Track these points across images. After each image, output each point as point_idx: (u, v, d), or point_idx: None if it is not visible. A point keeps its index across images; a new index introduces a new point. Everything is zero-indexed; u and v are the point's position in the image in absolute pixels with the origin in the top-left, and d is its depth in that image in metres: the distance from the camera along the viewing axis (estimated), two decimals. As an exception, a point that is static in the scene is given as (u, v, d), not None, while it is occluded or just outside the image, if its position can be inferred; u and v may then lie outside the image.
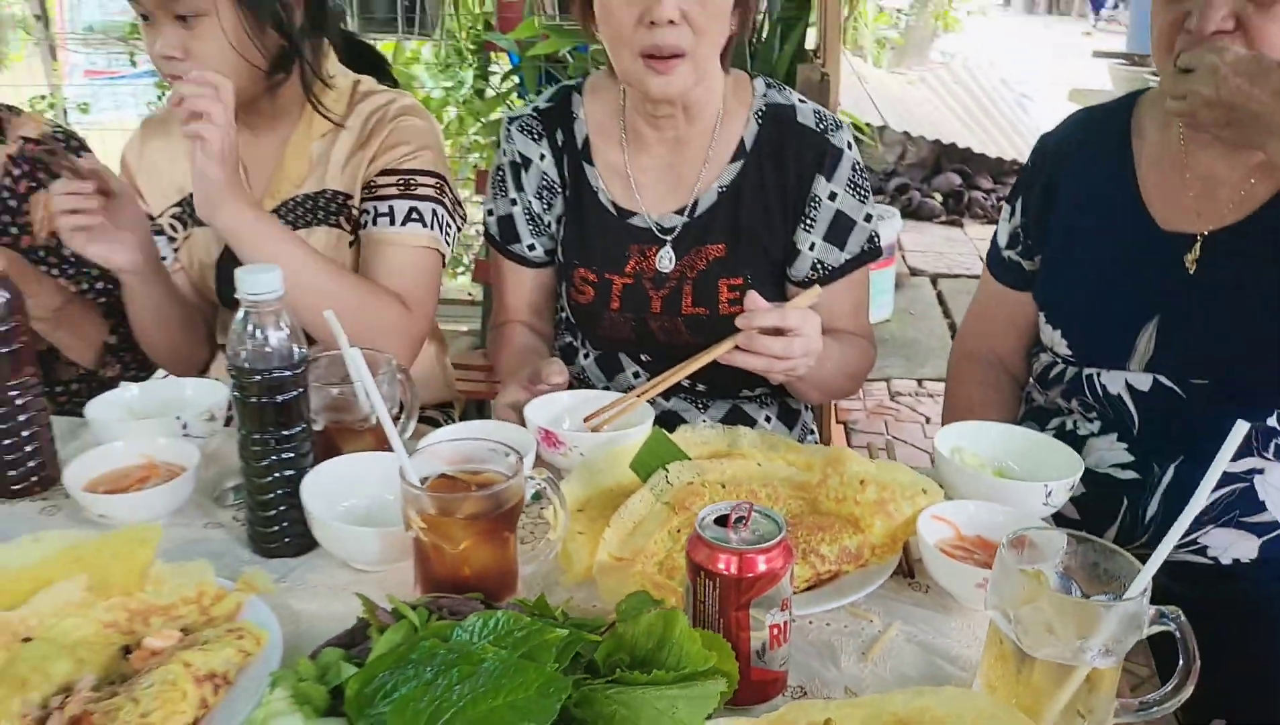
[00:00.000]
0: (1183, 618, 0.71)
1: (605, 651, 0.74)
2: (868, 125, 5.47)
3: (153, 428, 1.12)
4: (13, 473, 1.11)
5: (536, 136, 1.43)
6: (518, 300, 1.51)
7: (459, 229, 1.48)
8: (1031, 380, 1.40)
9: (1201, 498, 0.72)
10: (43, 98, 3.53)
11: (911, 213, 5.53)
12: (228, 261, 1.46)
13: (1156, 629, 0.71)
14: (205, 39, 1.28)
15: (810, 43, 2.48)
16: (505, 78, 4.21)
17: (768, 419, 1.47)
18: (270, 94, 1.39)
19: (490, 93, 4.16)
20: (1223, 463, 0.71)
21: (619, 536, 0.93)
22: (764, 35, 2.41)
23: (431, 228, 1.41)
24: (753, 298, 1.14)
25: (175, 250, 1.51)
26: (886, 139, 5.89)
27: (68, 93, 4.18)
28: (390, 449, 0.93)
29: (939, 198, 5.69)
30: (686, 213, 1.37)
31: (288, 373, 0.95)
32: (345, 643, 0.78)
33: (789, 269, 1.39)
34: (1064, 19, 17.45)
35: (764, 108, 1.37)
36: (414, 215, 1.40)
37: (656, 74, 1.22)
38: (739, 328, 1.13)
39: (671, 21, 1.18)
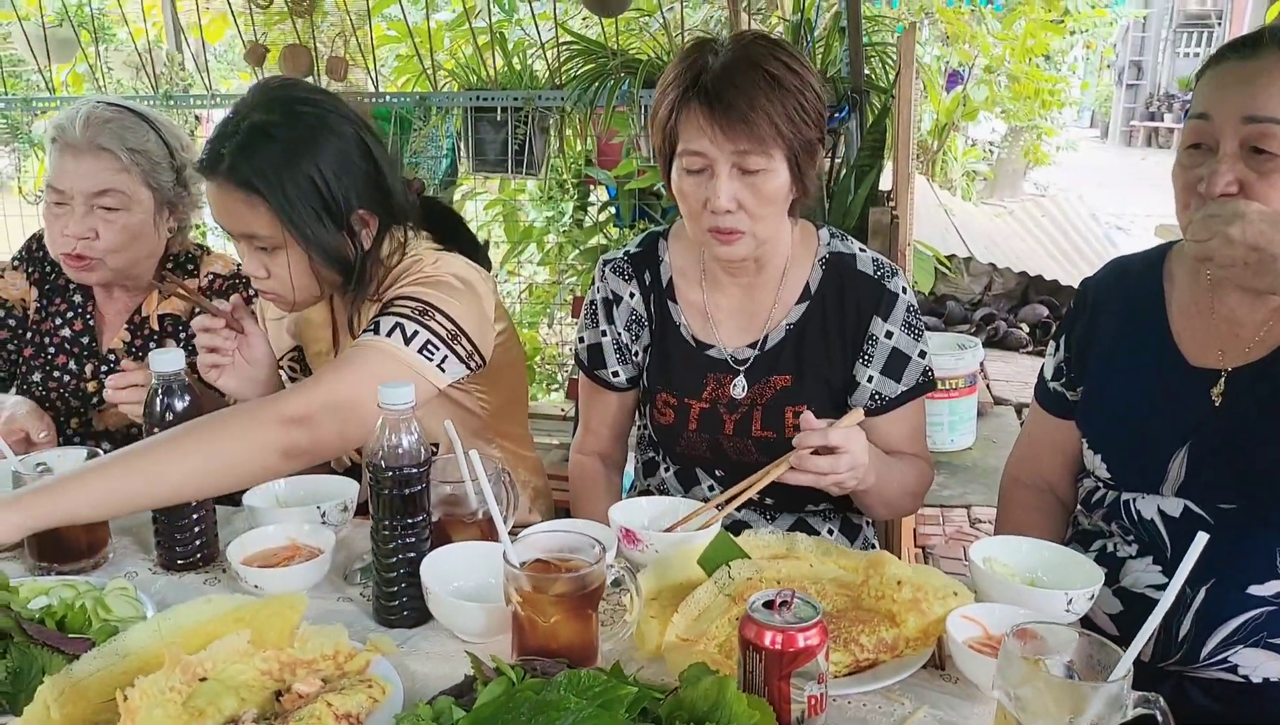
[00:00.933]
0: (1163, 702, 0.83)
1: (668, 709, 0.89)
2: (952, 257, 5.63)
3: (297, 515, 1.33)
4: (180, 550, 1.32)
5: (627, 277, 1.63)
6: (600, 421, 1.70)
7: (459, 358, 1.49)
8: (1078, 504, 1.51)
9: (1166, 602, 0.84)
10: (211, 229, 3.94)
11: (997, 342, 5.61)
12: None
13: (1140, 711, 0.83)
14: (280, 265, 1.46)
15: (886, 184, 2.68)
16: (603, 208, 4.53)
17: (830, 532, 1.61)
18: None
19: (588, 222, 4.47)
20: (1186, 569, 0.84)
21: (686, 621, 1.08)
22: (839, 180, 2.62)
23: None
24: (807, 418, 1.30)
25: None
26: (973, 270, 6.03)
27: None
28: (493, 540, 1.11)
29: (1025, 328, 5.76)
30: (758, 347, 1.55)
31: (414, 470, 1.14)
32: (456, 693, 0.94)
33: (849, 398, 1.54)
34: (1162, 151, 17.49)
35: (827, 256, 1.56)
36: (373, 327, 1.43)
37: (721, 244, 1.43)
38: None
39: (729, 210, 1.38)
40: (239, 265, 1.85)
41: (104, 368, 1.84)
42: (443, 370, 1.43)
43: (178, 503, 1.29)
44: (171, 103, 3.80)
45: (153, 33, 4.81)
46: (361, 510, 1.45)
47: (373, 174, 1.47)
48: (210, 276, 1.86)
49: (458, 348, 1.45)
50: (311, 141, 1.41)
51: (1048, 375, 1.54)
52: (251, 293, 1.80)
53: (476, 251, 1.64)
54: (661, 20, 3.18)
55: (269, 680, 1.01)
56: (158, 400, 1.29)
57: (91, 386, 1.84)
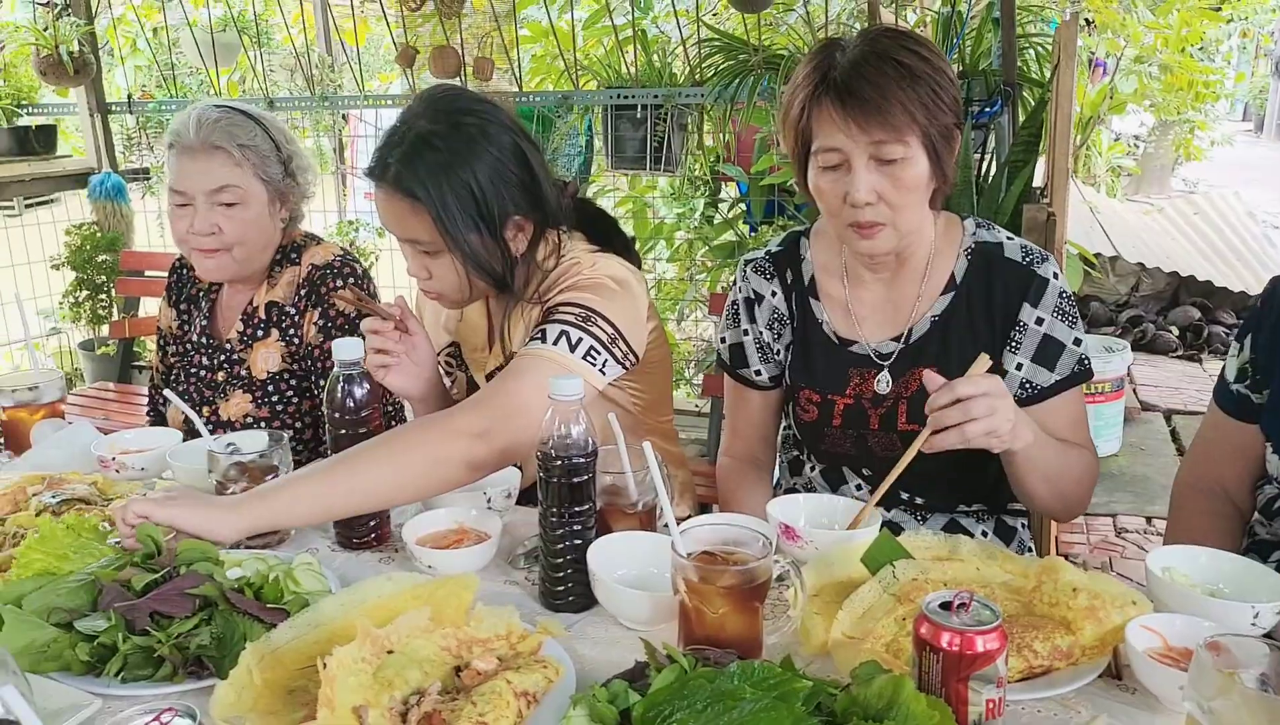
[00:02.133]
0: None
1: (843, 705, 0.89)
2: (1097, 256, 5.40)
3: (464, 500, 1.38)
4: (357, 530, 1.39)
5: (769, 276, 1.63)
6: (745, 422, 1.71)
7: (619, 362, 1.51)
8: (1256, 513, 1.44)
9: None
10: (350, 222, 4.12)
11: (1145, 346, 5.36)
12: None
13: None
14: (442, 267, 1.51)
15: (1039, 180, 2.60)
16: (733, 205, 4.53)
17: (984, 534, 1.58)
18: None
19: (718, 219, 4.47)
20: None
21: (851, 618, 1.08)
22: (990, 176, 2.55)
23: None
24: (929, 377, 1.28)
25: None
26: (1119, 270, 5.78)
27: (352, 215, 4.85)
28: (652, 531, 1.13)
29: (1175, 331, 5.49)
30: (902, 340, 1.54)
31: (582, 459, 1.18)
32: (629, 677, 0.97)
33: None
34: (1324, 145, 16.37)
35: (973, 245, 1.53)
36: (539, 335, 1.46)
37: (862, 238, 1.42)
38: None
39: (869, 203, 1.37)
40: (337, 256, 1.92)
41: (222, 357, 1.94)
42: (603, 373, 1.47)
43: (373, 511, 1.37)
44: (326, 103, 3.98)
45: (305, 38, 5.03)
46: (522, 498, 1.50)
47: (528, 181, 1.51)
48: (310, 267, 1.91)
49: (615, 350, 1.48)
50: (471, 152, 1.46)
51: (1230, 376, 1.48)
52: (349, 281, 1.88)
53: (629, 251, 1.67)
54: (805, 13, 3.15)
55: (448, 656, 1.06)
56: (339, 387, 1.36)
57: (219, 376, 1.94)
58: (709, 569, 1.04)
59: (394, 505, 1.39)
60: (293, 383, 1.90)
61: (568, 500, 1.18)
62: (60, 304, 4.04)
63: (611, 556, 1.20)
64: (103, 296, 4.10)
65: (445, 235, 1.46)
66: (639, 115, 3.16)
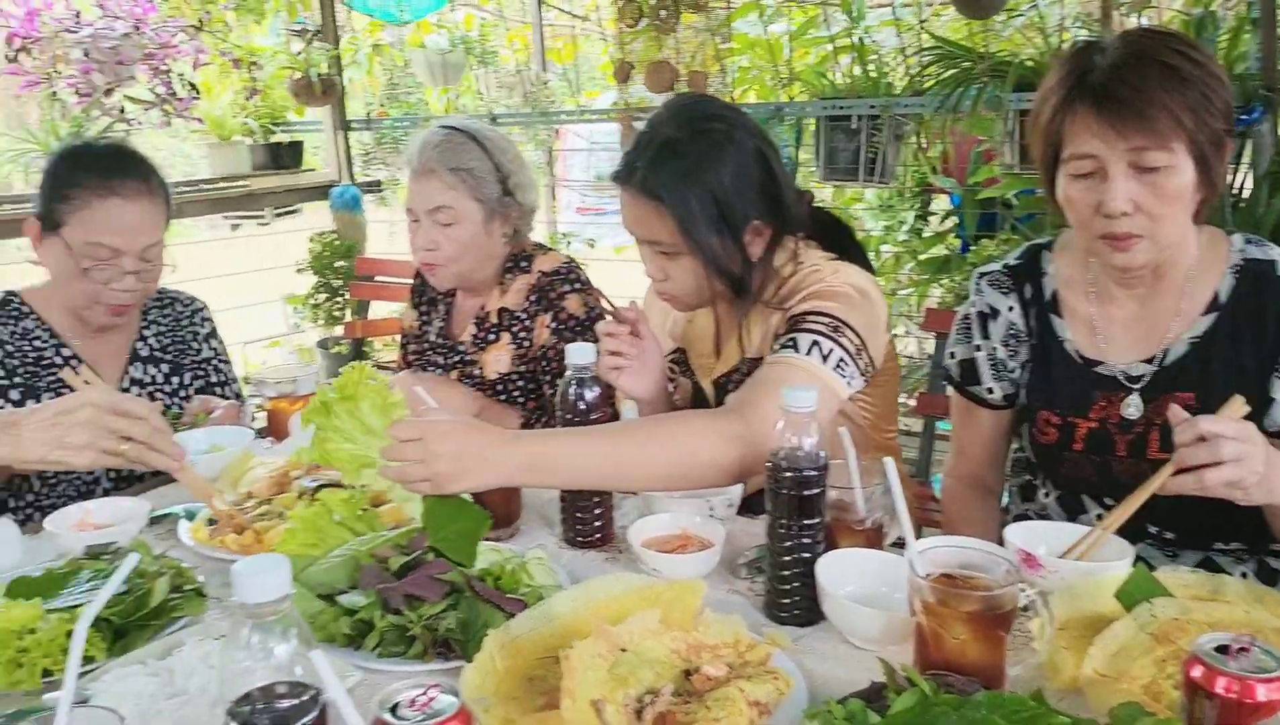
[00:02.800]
0: None
1: (1101, 746, 0.84)
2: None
3: (689, 507, 1.40)
4: (582, 528, 1.43)
5: (1005, 290, 1.57)
6: (973, 442, 1.64)
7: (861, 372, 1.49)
8: None
9: None
10: (564, 235, 4.27)
11: None
12: (701, 403, 1.75)
13: None
14: (680, 269, 1.53)
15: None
16: (945, 217, 4.37)
17: (1244, 575, 1.45)
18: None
19: (928, 232, 4.34)
20: None
21: (1104, 656, 1.02)
22: (1249, 190, 2.36)
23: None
24: (1174, 411, 1.18)
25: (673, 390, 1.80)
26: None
27: (562, 227, 5.02)
28: (877, 548, 1.11)
29: None
30: (1155, 362, 1.43)
31: (814, 472, 1.17)
32: (865, 697, 0.95)
33: (1264, 418, 1.38)
34: None
35: (1242, 262, 1.41)
36: (790, 342, 1.45)
37: (1115, 250, 1.33)
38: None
39: (1125, 213, 1.28)
40: (563, 263, 2.02)
41: (456, 358, 2.07)
42: (849, 385, 1.45)
43: (632, 490, 1.40)
44: (544, 118, 4.14)
45: (517, 58, 5.25)
46: (742, 508, 1.50)
47: (769, 186, 1.52)
48: (539, 274, 2.02)
49: (860, 361, 1.46)
50: (715, 157, 1.48)
51: None
52: (575, 286, 1.97)
53: (865, 260, 1.65)
54: (1038, 14, 3.01)
55: (678, 659, 1.07)
56: (571, 389, 1.41)
57: (454, 375, 2.07)
58: (952, 592, 1.01)
59: (637, 487, 1.40)
60: (520, 384, 1.99)
61: (797, 513, 1.17)
62: (303, 304, 4.39)
63: (839, 572, 1.19)
64: (338, 299, 4.42)
65: (686, 237, 1.48)
66: (853, 126, 3.11)
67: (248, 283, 4.43)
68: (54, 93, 3.76)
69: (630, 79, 3.68)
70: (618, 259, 4.77)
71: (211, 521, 1.47)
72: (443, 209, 1.95)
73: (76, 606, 1.12)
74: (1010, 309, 1.56)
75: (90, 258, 1.74)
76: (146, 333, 1.96)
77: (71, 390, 1.53)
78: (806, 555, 1.18)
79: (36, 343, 1.83)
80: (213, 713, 0.98)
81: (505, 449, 1.24)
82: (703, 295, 1.56)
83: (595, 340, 1.95)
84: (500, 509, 1.46)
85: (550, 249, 2.09)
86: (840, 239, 1.67)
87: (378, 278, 4.28)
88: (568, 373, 1.42)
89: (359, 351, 4.25)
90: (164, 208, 1.84)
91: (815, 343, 1.43)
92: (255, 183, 4.35)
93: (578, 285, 1.99)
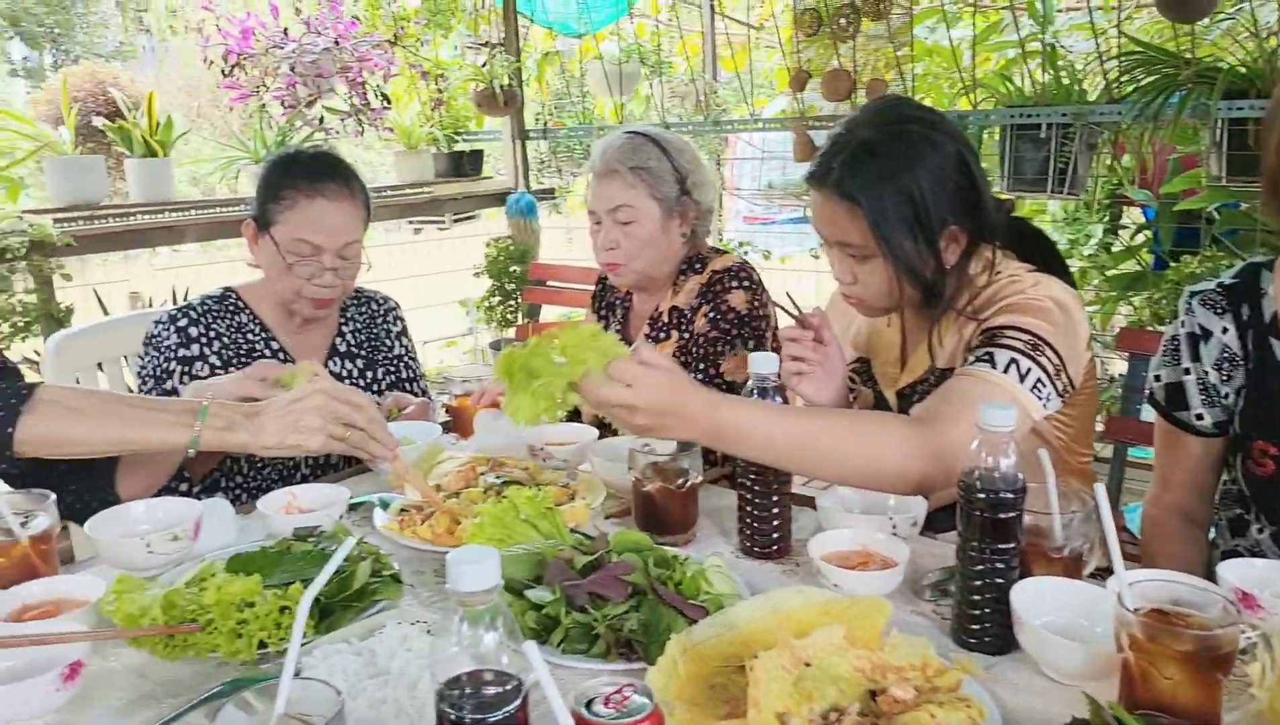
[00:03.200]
0: None
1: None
2: None
3: (871, 523, 1.37)
4: (760, 539, 1.43)
5: (1220, 311, 1.47)
6: (1179, 470, 1.54)
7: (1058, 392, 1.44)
8: None
9: None
10: (740, 245, 4.28)
11: None
12: None
13: None
14: (870, 272, 1.52)
15: None
16: (1137, 231, 4.13)
17: None
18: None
19: (1117, 246, 4.11)
20: None
21: (1336, 709, 0.94)
22: None
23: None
24: None
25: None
26: None
27: (729, 235, 5.03)
28: (1075, 578, 1.06)
29: None
30: None
31: (1010, 495, 1.12)
32: (1069, 733, 0.91)
33: None
34: None
35: None
36: (986, 357, 1.41)
37: None
38: None
39: None
40: (736, 262, 2.04)
41: None
42: (1045, 406, 1.41)
43: (810, 476, 1.39)
44: (717, 126, 4.16)
45: (693, 65, 5.29)
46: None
47: (968, 191, 1.48)
48: (710, 272, 2.04)
49: (1059, 382, 1.41)
50: (914, 159, 1.46)
51: None
52: (744, 285, 1.98)
53: (1066, 273, 1.58)
54: (1249, 20, 2.81)
55: (862, 678, 1.05)
56: (753, 397, 1.40)
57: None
58: (1165, 630, 0.95)
59: (816, 475, 1.38)
60: None
61: (990, 536, 1.13)
62: (478, 307, 4.55)
63: (1035, 600, 1.14)
64: (511, 302, 4.57)
65: (879, 239, 1.46)
66: (1042, 135, 2.98)
67: (426, 285, 4.63)
68: (263, 105, 4.05)
69: (805, 86, 3.64)
70: (784, 268, 4.75)
71: (403, 510, 1.54)
72: (622, 208, 2.00)
73: (288, 584, 1.19)
74: (1224, 331, 1.46)
75: (295, 253, 1.86)
76: (345, 329, 2.08)
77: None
78: (1000, 581, 1.14)
79: (249, 336, 1.96)
80: (411, 694, 1.02)
81: (703, 410, 1.26)
82: (891, 300, 1.54)
83: (752, 338, 1.97)
84: (677, 515, 1.48)
85: (725, 251, 2.10)
86: (1040, 251, 1.60)
87: (550, 282, 4.40)
88: (749, 382, 1.41)
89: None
90: (363, 210, 1.96)
91: (1013, 361, 1.39)
92: (438, 189, 4.54)
93: (745, 283, 2.00)
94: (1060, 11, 4.12)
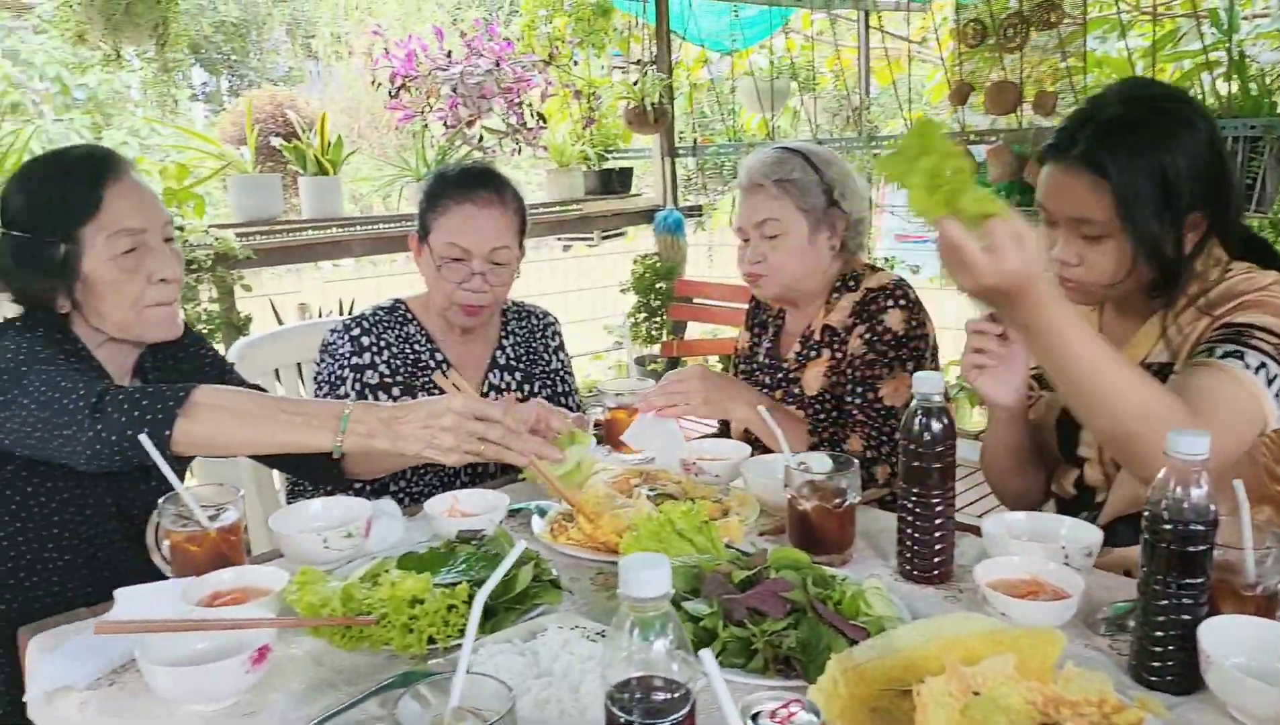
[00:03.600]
0: None
1: None
2: None
3: (1041, 552, 1.32)
4: (921, 563, 1.39)
5: None
6: None
7: None
8: None
9: None
10: (885, 259, 4.21)
11: None
12: (1065, 424, 1.64)
13: None
14: (1100, 253, 1.45)
15: None
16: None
17: None
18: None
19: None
20: None
21: None
22: None
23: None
24: None
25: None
26: None
27: (881, 253, 4.93)
28: (1269, 618, 0.98)
29: None
30: None
31: (1200, 528, 1.06)
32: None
33: None
34: None
35: None
36: (1236, 354, 1.36)
37: None
38: None
39: None
40: (893, 281, 1.98)
41: (780, 376, 2.09)
42: None
43: (1087, 404, 1.34)
44: (868, 142, 4.10)
45: (846, 81, 5.23)
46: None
47: (1219, 179, 1.43)
48: (865, 290, 2.00)
49: None
50: (1172, 135, 1.41)
51: None
52: (900, 304, 1.93)
53: None
54: None
55: (1034, 711, 1.01)
56: (916, 419, 1.37)
57: (777, 394, 2.08)
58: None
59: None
60: (830, 400, 1.98)
61: (1177, 570, 1.07)
62: (624, 323, 4.62)
63: (1224, 640, 1.07)
64: (656, 319, 4.61)
65: (1123, 218, 1.41)
66: (1230, 148, 2.81)
67: (574, 300, 4.72)
68: (425, 125, 4.23)
69: (966, 100, 3.55)
70: (934, 288, 4.61)
71: (568, 518, 1.58)
72: (769, 221, 1.98)
73: (455, 584, 1.23)
74: None
75: (445, 258, 1.94)
76: (505, 343, 2.14)
77: (441, 391, 1.70)
78: (1186, 617, 1.07)
79: (415, 346, 2.05)
80: (574, 695, 1.04)
81: (1047, 293, 1.26)
82: (1114, 286, 1.48)
83: (910, 360, 1.92)
84: (833, 534, 1.46)
85: (881, 269, 2.06)
86: (1264, 258, 1.51)
87: (696, 300, 4.42)
88: (914, 402, 1.38)
89: (674, 368, 4.40)
90: (515, 218, 2.01)
91: (1264, 364, 1.33)
92: (587, 206, 4.64)
93: (902, 302, 1.95)
94: (1244, 19, 3.88)
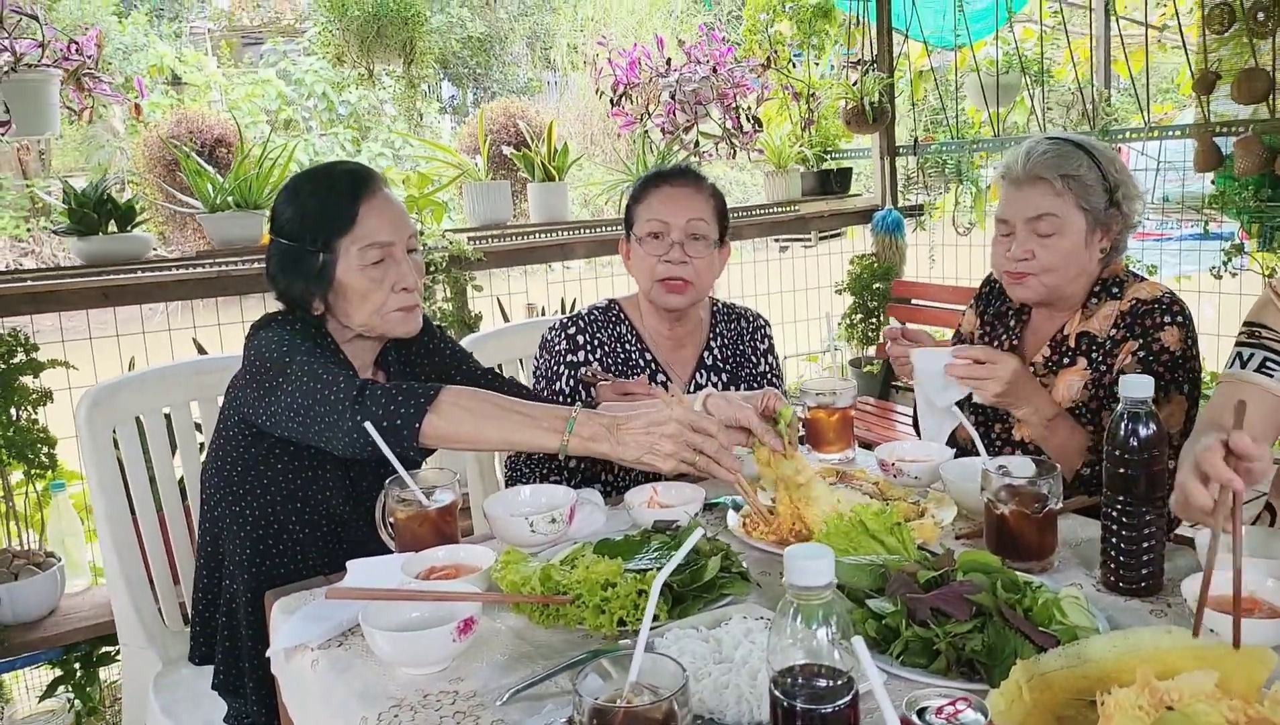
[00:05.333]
0: None
1: None
2: None
3: (1261, 567, 1.23)
4: (1126, 574, 1.33)
5: None
6: None
7: None
8: None
9: None
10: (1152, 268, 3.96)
11: None
12: None
13: None
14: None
15: None
16: None
17: None
18: None
19: None
20: None
21: None
22: None
23: None
24: None
25: None
26: None
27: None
28: None
29: None
30: None
31: None
32: None
33: None
34: None
35: None
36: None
37: None
38: None
39: None
40: (1165, 293, 1.86)
41: None
42: None
43: None
44: (1106, 137, 3.85)
45: (1081, 72, 4.93)
46: None
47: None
48: (1134, 301, 1.88)
49: None
50: None
51: None
52: (1178, 320, 1.82)
53: None
54: None
55: (1236, 732, 0.95)
56: (1123, 425, 1.31)
57: None
58: None
59: None
60: (1086, 414, 1.89)
61: None
62: (840, 324, 4.58)
63: None
64: (872, 320, 4.54)
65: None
66: None
67: (790, 301, 4.72)
68: (645, 131, 4.37)
69: (1213, 90, 3.28)
70: (1175, 289, 4.28)
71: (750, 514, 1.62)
72: (1046, 217, 1.88)
73: (646, 570, 1.30)
74: None
75: (645, 235, 2.04)
76: (714, 344, 2.20)
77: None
78: None
79: (626, 346, 2.14)
80: (751, 683, 1.08)
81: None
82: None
83: (1187, 383, 1.81)
84: (1032, 541, 1.42)
85: (1146, 278, 1.94)
86: None
87: (914, 301, 4.32)
88: (1119, 407, 1.32)
89: (889, 373, 4.32)
90: (711, 201, 2.08)
91: None
92: (804, 207, 4.63)
93: (1179, 318, 1.82)
94: None
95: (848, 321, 4.56)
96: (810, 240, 4.96)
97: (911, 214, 4.73)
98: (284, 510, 1.73)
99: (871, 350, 4.54)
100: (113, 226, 3.05)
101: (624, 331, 2.16)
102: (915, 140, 4.68)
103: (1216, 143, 3.20)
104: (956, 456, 1.77)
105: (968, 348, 1.78)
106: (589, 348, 2.12)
